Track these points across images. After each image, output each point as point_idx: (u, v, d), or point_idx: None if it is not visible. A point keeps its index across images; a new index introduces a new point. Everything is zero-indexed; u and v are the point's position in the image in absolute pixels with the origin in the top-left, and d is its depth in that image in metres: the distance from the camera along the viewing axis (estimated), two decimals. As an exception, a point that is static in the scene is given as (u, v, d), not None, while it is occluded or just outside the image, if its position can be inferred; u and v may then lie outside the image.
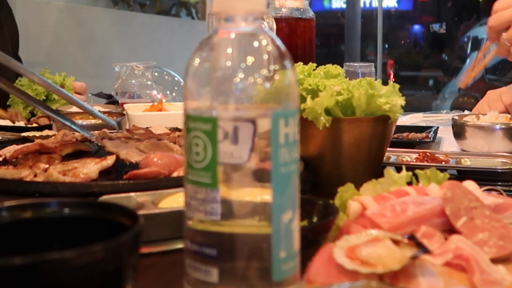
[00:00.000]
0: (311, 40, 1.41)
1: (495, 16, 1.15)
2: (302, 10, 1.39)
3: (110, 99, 1.87)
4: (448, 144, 1.31)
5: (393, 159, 1.05)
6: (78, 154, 0.98)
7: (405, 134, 1.35)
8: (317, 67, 0.96)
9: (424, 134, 1.34)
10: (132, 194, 0.69)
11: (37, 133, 1.23)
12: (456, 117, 1.27)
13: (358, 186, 0.66)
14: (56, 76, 1.65)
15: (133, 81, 1.75)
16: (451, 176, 0.87)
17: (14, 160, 0.92)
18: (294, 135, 0.46)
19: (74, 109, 1.50)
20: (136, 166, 0.87)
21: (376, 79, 0.89)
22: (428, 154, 1.04)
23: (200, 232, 0.46)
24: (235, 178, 0.44)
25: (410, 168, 0.70)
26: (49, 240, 0.48)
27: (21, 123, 1.45)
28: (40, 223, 0.48)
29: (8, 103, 1.58)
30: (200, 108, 0.45)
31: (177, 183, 0.73)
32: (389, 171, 0.67)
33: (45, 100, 1.60)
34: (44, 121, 1.44)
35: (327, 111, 0.85)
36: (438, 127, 1.40)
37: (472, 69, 1.30)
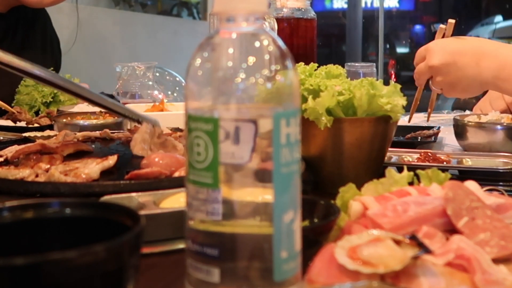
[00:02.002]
0: (313, 40, 1.41)
1: (416, 72, 1.28)
2: (303, 10, 1.39)
3: (111, 100, 1.87)
4: (449, 144, 1.31)
5: (394, 159, 1.05)
6: (80, 154, 0.98)
7: (417, 132, 1.35)
8: (318, 67, 0.96)
9: (431, 131, 1.35)
10: (133, 194, 0.69)
11: (39, 133, 1.23)
12: (458, 117, 1.27)
13: (359, 186, 0.66)
14: None
15: (135, 81, 1.76)
16: (453, 176, 0.87)
17: (16, 160, 0.92)
18: (296, 135, 0.46)
19: (76, 109, 1.50)
20: (137, 166, 0.87)
21: (377, 79, 0.89)
22: (429, 154, 1.04)
23: (202, 232, 0.46)
24: (237, 178, 0.44)
25: (411, 168, 0.70)
26: (50, 240, 0.48)
27: (23, 123, 1.45)
28: (42, 223, 0.48)
29: (12, 104, 1.59)
30: (202, 108, 0.45)
31: (178, 183, 0.73)
32: (391, 171, 0.67)
33: (51, 102, 1.60)
34: (45, 121, 1.44)
35: (329, 111, 0.85)
36: (439, 127, 1.40)
37: (414, 107, 1.41)
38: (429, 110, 1.43)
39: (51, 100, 1.60)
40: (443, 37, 1.24)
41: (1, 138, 1.22)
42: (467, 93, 1.23)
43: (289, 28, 1.37)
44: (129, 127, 1.30)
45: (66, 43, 2.12)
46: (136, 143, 0.98)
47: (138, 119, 1.01)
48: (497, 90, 1.21)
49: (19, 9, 1.78)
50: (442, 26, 1.25)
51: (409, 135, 1.35)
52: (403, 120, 1.66)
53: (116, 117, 1.35)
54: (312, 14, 1.40)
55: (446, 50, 1.17)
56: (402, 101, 0.86)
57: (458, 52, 1.16)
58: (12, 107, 1.55)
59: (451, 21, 1.24)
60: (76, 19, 2.20)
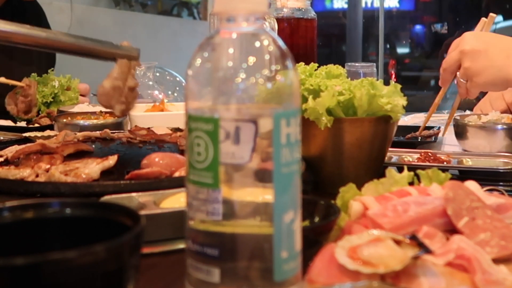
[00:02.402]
0: (313, 40, 1.41)
1: (445, 60, 1.29)
2: (303, 10, 1.38)
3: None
4: (449, 144, 1.31)
5: (394, 159, 1.05)
6: (80, 154, 0.98)
7: (418, 133, 1.35)
8: (318, 67, 0.96)
9: (432, 131, 1.34)
10: (133, 194, 0.69)
11: (39, 134, 1.23)
12: (458, 117, 1.26)
13: (359, 186, 0.66)
14: (61, 77, 1.65)
15: (135, 81, 1.75)
16: (453, 176, 0.87)
17: (16, 160, 0.92)
18: (296, 135, 0.46)
19: (76, 109, 1.50)
20: (137, 166, 0.87)
21: (377, 79, 0.89)
22: (429, 154, 1.04)
23: (202, 232, 0.46)
24: (237, 178, 0.44)
25: (411, 168, 0.70)
26: (50, 240, 0.48)
27: (23, 124, 1.46)
28: (42, 223, 0.48)
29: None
30: (202, 108, 0.45)
31: (178, 183, 0.73)
32: (391, 171, 0.67)
33: (51, 102, 1.61)
34: (45, 121, 1.44)
35: (329, 111, 0.85)
36: (440, 127, 1.40)
37: (430, 113, 1.40)
38: (448, 120, 1.41)
39: (52, 100, 1.61)
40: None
41: (1, 138, 1.22)
42: (491, 86, 1.25)
43: (289, 28, 1.37)
44: (129, 128, 1.30)
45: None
46: (103, 96, 0.91)
47: (113, 57, 0.92)
48: None
49: (13, 2, 1.79)
50: (484, 19, 1.30)
51: (409, 135, 1.35)
52: (403, 120, 1.66)
53: (116, 117, 1.34)
54: (312, 14, 1.40)
55: (480, 39, 1.21)
56: (402, 101, 0.86)
57: (492, 43, 1.20)
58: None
59: (492, 15, 1.28)
60: (70, 17, 2.21)
